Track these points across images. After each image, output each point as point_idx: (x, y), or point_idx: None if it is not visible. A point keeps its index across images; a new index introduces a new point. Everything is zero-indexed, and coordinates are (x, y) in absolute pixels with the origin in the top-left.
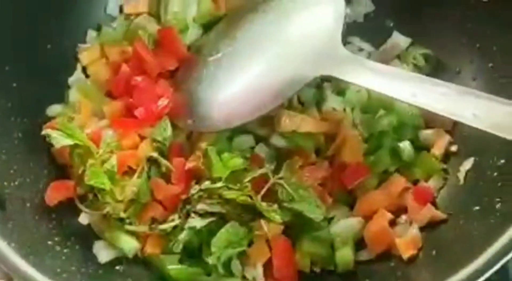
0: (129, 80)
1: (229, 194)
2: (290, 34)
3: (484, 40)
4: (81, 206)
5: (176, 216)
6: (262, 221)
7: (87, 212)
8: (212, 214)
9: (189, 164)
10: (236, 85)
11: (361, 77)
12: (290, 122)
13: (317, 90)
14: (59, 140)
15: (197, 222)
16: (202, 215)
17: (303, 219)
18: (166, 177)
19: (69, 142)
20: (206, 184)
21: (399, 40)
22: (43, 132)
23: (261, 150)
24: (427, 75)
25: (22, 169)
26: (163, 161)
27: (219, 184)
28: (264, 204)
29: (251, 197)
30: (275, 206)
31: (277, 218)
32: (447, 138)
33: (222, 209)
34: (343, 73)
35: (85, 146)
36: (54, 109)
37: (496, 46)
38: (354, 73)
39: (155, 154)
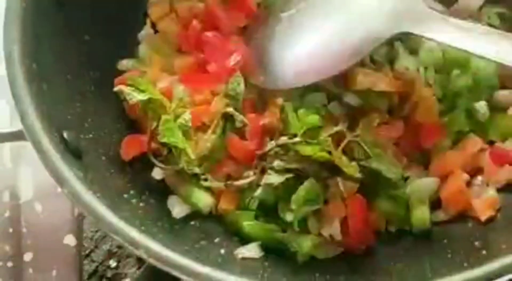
0: (200, 36)
1: (307, 150)
2: None
3: None
4: (155, 161)
5: (251, 172)
6: (338, 179)
7: (161, 167)
8: (288, 170)
9: (264, 120)
10: (310, 43)
11: (445, 33)
12: (365, 79)
13: (389, 49)
14: (133, 95)
15: (274, 179)
16: (279, 171)
17: (379, 178)
18: (240, 133)
19: (142, 97)
20: (283, 139)
21: None
22: (115, 89)
23: (335, 109)
24: None
25: (96, 122)
26: (239, 116)
27: (296, 139)
28: (344, 158)
29: (329, 153)
30: (354, 163)
31: (357, 173)
32: None
33: (299, 165)
34: (425, 30)
35: (159, 101)
36: (124, 64)
37: None
38: (437, 29)
39: (230, 109)
